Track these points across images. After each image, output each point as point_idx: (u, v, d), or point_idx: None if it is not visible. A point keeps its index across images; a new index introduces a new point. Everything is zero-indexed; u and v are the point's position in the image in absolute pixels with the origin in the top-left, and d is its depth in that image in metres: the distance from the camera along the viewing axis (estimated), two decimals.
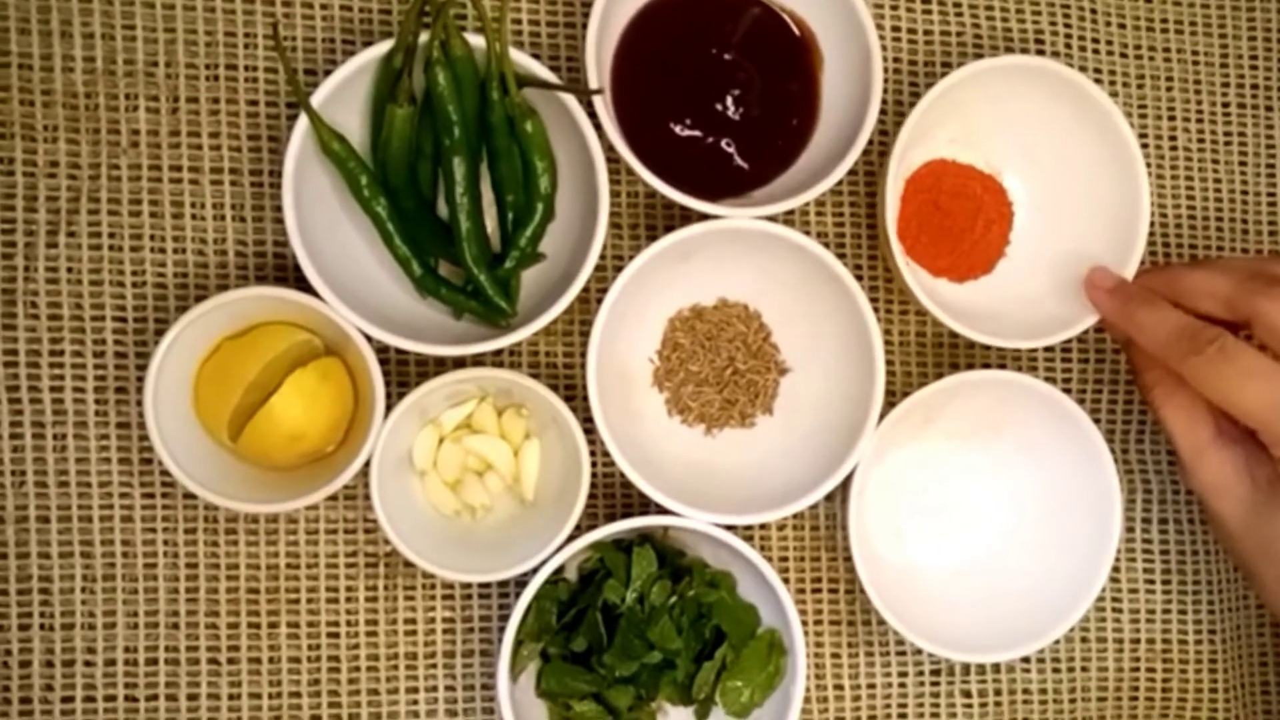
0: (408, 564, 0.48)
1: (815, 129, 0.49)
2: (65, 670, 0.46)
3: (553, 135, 0.46)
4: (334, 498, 0.48)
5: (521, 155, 0.45)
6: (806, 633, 0.51)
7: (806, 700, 0.51)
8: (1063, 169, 0.52)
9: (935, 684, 0.53)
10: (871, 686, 0.52)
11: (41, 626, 0.46)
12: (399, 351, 0.48)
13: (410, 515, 0.47)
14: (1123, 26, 0.55)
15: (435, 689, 0.49)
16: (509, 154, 0.45)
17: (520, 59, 0.44)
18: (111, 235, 0.47)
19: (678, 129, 0.48)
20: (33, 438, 0.46)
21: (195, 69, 0.47)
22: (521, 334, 0.45)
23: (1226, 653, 0.55)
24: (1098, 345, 0.55)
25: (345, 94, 0.44)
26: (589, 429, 0.46)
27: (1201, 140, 0.56)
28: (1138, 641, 0.55)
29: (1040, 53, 0.54)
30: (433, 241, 0.47)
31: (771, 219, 0.47)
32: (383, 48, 0.44)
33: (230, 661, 0.48)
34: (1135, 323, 0.46)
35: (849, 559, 0.48)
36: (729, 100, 0.48)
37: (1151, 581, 0.55)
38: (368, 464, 0.45)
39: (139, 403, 0.43)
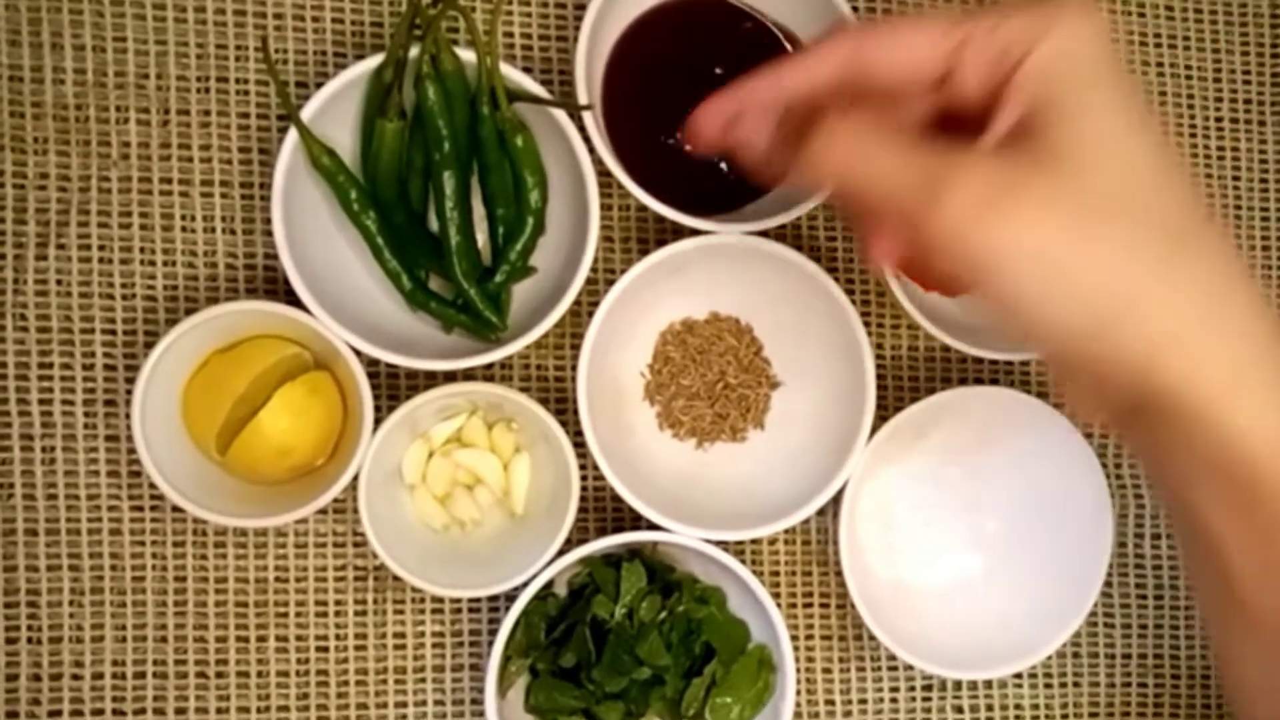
0: (397, 578, 0.48)
1: None
2: (53, 684, 0.46)
3: (543, 149, 0.46)
4: (323, 511, 0.48)
5: (512, 169, 0.45)
6: (797, 648, 0.51)
7: (797, 716, 0.51)
8: None
9: (927, 699, 0.53)
10: (863, 702, 0.52)
11: (29, 640, 0.46)
12: (389, 365, 0.48)
13: (399, 529, 0.47)
14: (1115, 41, 0.55)
15: (424, 704, 0.49)
16: (499, 168, 0.45)
17: (511, 73, 0.44)
18: (101, 248, 0.47)
19: (669, 143, 0.48)
20: (21, 450, 0.46)
21: (186, 81, 0.47)
22: (512, 348, 0.45)
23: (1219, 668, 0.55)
24: None
25: (336, 108, 0.44)
26: (579, 443, 0.46)
27: (1194, 155, 0.56)
28: (1129, 657, 0.54)
29: None
30: (423, 255, 0.46)
31: (763, 234, 0.47)
32: (373, 62, 0.44)
33: (219, 675, 0.48)
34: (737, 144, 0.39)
35: (840, 574, 0.48)
36: None
37: (1144, 596, 0.55)
38: (357, 478, 0.45)
39: (128, 415, 0.43)
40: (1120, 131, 0.32)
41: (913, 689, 0.53)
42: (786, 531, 0.52)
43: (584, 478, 0.48)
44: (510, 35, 0.50)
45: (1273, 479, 0.32)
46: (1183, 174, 0.32)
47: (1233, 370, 0.32)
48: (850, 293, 0.49)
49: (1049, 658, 0.51)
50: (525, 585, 0.46)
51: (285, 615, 0.48)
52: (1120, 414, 0.34)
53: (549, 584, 0.47)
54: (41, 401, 0.46)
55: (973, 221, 0.31)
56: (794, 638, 0.51)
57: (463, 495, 0.48)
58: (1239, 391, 0.32)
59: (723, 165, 0.48)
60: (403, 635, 0.49)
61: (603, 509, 0.51)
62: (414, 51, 0.44)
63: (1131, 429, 0.34)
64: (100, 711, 0.47)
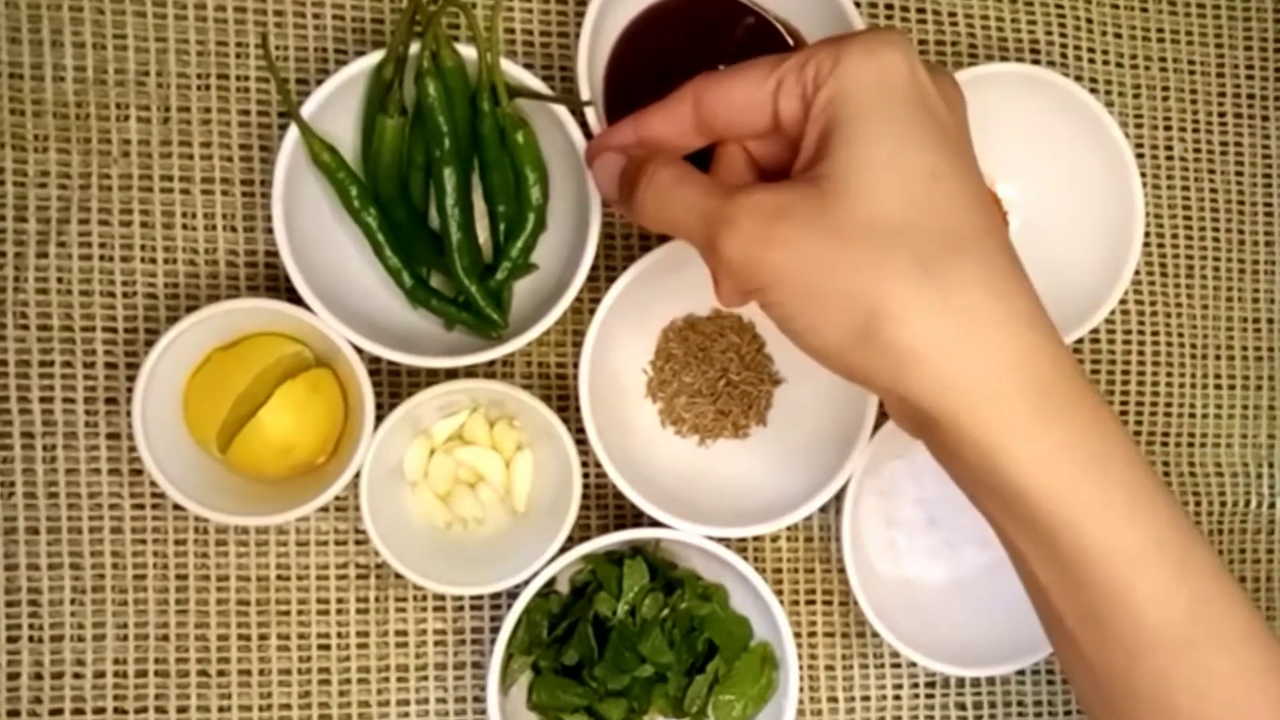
0: (399, 575, 0.48)
1: None
2: (54, 683, 0.46)
3: (545, 145, 0.45)
4: (325, 509, 0.48)
5: (513, 166, 0.45)
6: (800, 645, 0.51)
7: (800, 713, 0.51)
8: (1058, 178, 0.52)
9: (930, 696, 0.53)
10: (865, 699, 0.52)
11: (30, 639, 0.46)
12: (390, 362, 0.48)
13: (401, 527, 0.47)
14: (1119, 36, 0.55)
15: (426, 701, 0.49)
16: (500, 164, 0.45)
17: (511, 69, 0.44)
18: (102, 245, 0.47)
19: None
20: (22, 449, 0.46)
21: (186, 78, 0.47)
22: (513, 345, 0.45)
23: None
24: (1093, 354, 0.55)
25: (336, 104, 0.44)
26: (581, 440, 0.46)
27: (1198, 150, 0.56)
28: None
29: (1036, 62, 0.54)
30: (424, 252, 0.46)
31: None
32: (374, 58, 0.44)
33: (220, 674, 0.47)
34: (597, 181, 0.40)
35: (842, 571, 0.48)
36: None
37: None
38: (358, 475, 0.45)
39: (129, 413, 0.43)
40: (885, 158, 0.33)
41: (916, 686, 0.53)
42: (789, 528, 0.52)
43: (586, 475, 0.48)
44: (511, 31, 0.50)
45: (1040, 503, 0.33)
46: (963, 194, 0.33)
47: (982, 388, 0.32)
48: None
49: (1051, 654, 0.51)
50: (527, 583, 0.45)
51: (287, 613, 0.48)
52: (909, 423, 0.36)
53: (551, 581, 0.47)
54: (42, 400, 0.46)
55: (746, 251, 0.33)
56: (797, 635, 0.51)
57: (464, 493, 0.48)
58: (989, 411, 0.32)
59: None
60: (404, 633, 0.49)
61: (605, 506, 0.50)
62: (414, 48, 0.43)
63: (922, 438, 0.36)
64: (102, 710, 0.47)
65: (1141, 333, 0.55)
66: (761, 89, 0.36)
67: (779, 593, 0.51)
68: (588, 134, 0.45)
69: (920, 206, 0.33)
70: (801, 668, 0.51)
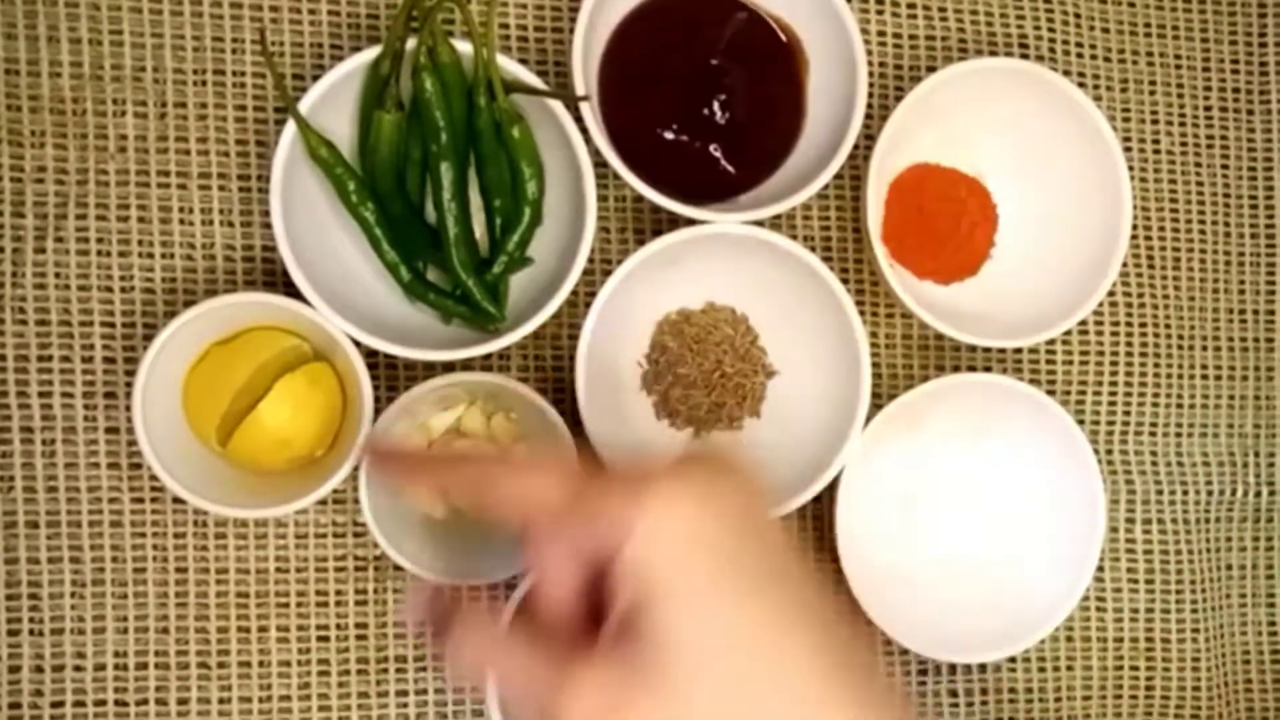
0: (397, 567, 0.48)
1: (801, 133, 0.49)
2: (55, 675, 0.46)
3: (540, 140, 0.46)
4: (323, 502, 0.49)
5: (509, 160, 0.46)
6: None
7: None
8: (1046, 172, 0.52)
9: (922, 683, 0.53)
10: None
11: (31, 632, 0.46)
12: (388, 356, 0.48)
13: (400, 519, 0.47)
14: (1106, 31, 0.55)
15: (425, 692, 0.49)
16: (496, 159, 0.46)
17: (507, 64, 0.45)
18: (100, 240, 0.47)
19: (665, 134, 0.48)
20: (21, 443, 0.46)
21: (183, 74, 0.47)
22: (510, 338, 0.45)
23: (1210, 651, 0.56)
24: (1082, 345, 0.55)
25: (333, 99, 0.45)
26: (578, 432, 0.47)
27: (1184, 143, 0.56)
28: (1122, 640, 0.55)
29: (1024, 57, 0.54)
30: (421, 246, 0.47)
31: (758, 223, 0.47)
32: (370, 54, 0.44)
33: (220, 666, 0.48)
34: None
35: (836, 560, 0.49)
36: (715, 105, 0.48)
37: (1135, 581, 0.55)
38: (357, 468, 0.45)
39: (128, 408, 0.43)
40: (710, 626, 0.31)
41: (908, 672, 0.53)
42: (783, 518, 0.52)
43: None
44: (506, 27, 0.50)
45: None
46: (788, 641, 0.31)
47: None
48: (845, 281, 0.49)
49: (1042, 641, 0.52)
50: (525, 573, 0.46)
51: (286, 605, 0.48)
52: None
53: None
54: (41, 394, 0.46)
55: None
56: None
57: None
58: None
59: (719, 155, 0.49)
60: (403, 624, 0.49)
61: None
62: (411, 43, 0.44)
63: None
64: (102, 703, 0.47)
65: (1129, 324, 0.56)
66: (556, 543, 0.33)
67: None
68: (583, 128, 0.45)
69: (741, 670, 0.31)
70: None
